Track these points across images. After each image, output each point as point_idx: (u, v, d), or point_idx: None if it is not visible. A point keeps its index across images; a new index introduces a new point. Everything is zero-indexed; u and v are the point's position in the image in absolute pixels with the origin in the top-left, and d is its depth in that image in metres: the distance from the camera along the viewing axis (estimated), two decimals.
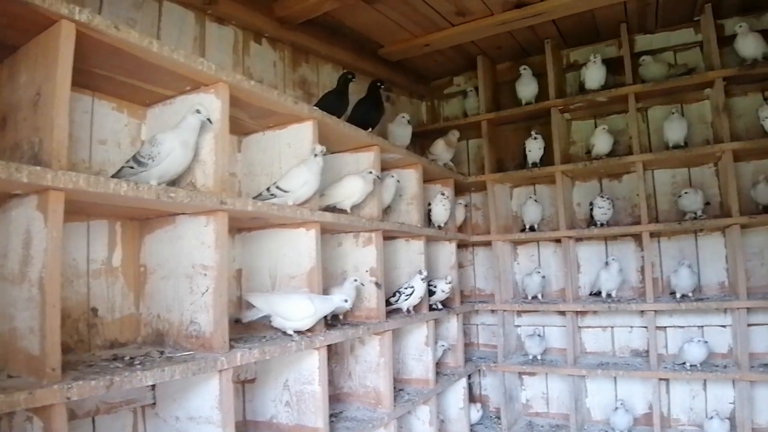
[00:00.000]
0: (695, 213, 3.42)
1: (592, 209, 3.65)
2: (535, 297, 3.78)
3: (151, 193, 1.56)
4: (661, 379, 3.40)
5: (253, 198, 2.15)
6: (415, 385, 3.14)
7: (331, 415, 2.48)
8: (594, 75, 3.65)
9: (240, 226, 2.42)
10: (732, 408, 3.38)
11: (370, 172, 2.63)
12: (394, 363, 3.04)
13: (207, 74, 1.82)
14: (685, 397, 3.57)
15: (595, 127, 3.77)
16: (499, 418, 3.79)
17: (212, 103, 1.86)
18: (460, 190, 4.07)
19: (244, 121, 2.32)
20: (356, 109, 2.98)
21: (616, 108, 3.78)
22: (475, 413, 3.78)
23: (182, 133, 1.75)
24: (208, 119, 1.79)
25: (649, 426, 3.44)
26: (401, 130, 3.34)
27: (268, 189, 2.18)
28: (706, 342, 3.30)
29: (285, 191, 2.13)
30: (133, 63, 1.68)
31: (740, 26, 3.25)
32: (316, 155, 2.19)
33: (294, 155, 2.30)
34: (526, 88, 3.88)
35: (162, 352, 1.76)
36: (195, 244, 1.84)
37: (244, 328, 2.37)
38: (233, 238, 2.44)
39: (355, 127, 2.65)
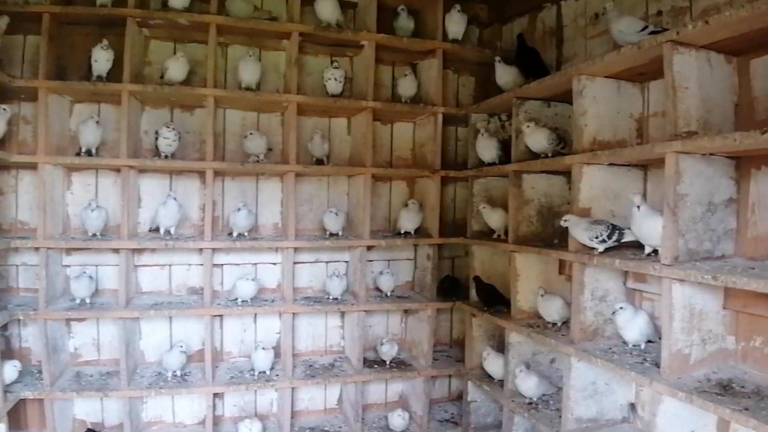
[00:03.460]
0: (258, 157, 3.58)
1: (157, 139, 3.37)
2: (95, 235, 3.31)
3: None
4: (214, 316, 3.49)
5: None
6: None
7: None
8: None
9: None
10: (278, 337, 3.75)
11: None
12: None
13: None
14: (237, 331, 3.82)
15: (175, 52, 3.48)
16: (41, 372, 3.20)
17: None
18: (4, 94, 3.20)
19: None
20: None
21: (198, 36, 3.54)
22: (13, 371, 3.08)
23: None
24: None
25: (202, 362, 3.50)
26: None
27: None
28: (256, 279, 3.54)
29: None
30: None
31: None
32: None
33: None
34: None
35: None
36: None
37: None
38: None
39: None
